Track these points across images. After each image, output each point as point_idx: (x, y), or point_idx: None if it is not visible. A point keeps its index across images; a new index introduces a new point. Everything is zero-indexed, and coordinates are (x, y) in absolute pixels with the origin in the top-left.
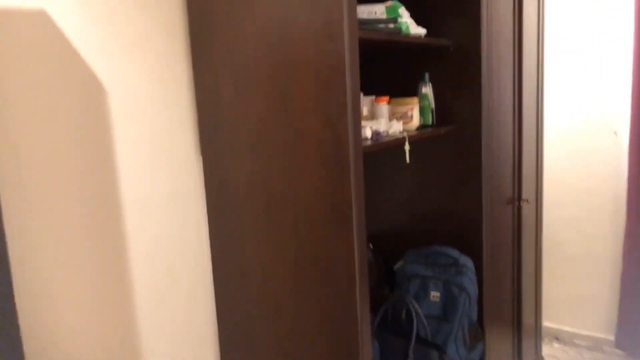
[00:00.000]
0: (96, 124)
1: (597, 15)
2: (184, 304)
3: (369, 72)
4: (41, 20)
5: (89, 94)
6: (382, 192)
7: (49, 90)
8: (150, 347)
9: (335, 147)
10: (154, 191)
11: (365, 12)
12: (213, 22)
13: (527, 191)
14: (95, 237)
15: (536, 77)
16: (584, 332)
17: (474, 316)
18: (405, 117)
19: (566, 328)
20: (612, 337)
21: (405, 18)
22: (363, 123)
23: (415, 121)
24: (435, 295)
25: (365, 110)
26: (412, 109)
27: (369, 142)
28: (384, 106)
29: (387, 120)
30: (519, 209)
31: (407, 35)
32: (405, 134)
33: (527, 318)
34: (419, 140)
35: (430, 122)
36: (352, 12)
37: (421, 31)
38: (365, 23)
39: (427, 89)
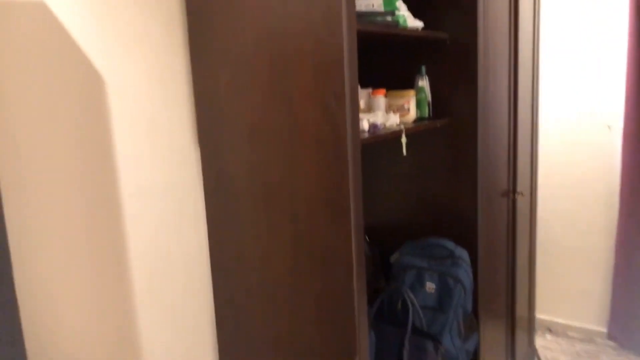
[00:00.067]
0: (95, 115)
1: (593, 11)
2: (182, 295)
3: (366, 64)
4: (41, 12)
5: (88, 85)
6: (378, 184)
7: (48, 81)
8: (150, 342)
9: (333, 138)
10: (152, 183)
11: (362, 4)
12: (211, 13)
13: (522, 184)
14: (94, 233)
15: (531, 71)
16: (576, 324)
17: (469, 307)
18: (402, 110)
19: (559, 320)
20: (604, 329)
21: (403, 11)
22: (360, 115)
23: (412, 114)
24: (430, 286)
25: (362, 103)
26: (408, 101)
27: (366, 135)
28: (381, 99)
29: (384, 112)
30: (514, 201)
31: (405, 28)
32: (402, 127)
33: (521, 310)
34: (415, 132)
35: (426, 114)
36: (351, 4)
37: (418, 24)
38: (362, 15)
39: (424, 82)
